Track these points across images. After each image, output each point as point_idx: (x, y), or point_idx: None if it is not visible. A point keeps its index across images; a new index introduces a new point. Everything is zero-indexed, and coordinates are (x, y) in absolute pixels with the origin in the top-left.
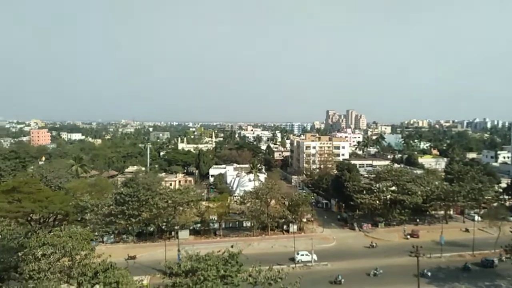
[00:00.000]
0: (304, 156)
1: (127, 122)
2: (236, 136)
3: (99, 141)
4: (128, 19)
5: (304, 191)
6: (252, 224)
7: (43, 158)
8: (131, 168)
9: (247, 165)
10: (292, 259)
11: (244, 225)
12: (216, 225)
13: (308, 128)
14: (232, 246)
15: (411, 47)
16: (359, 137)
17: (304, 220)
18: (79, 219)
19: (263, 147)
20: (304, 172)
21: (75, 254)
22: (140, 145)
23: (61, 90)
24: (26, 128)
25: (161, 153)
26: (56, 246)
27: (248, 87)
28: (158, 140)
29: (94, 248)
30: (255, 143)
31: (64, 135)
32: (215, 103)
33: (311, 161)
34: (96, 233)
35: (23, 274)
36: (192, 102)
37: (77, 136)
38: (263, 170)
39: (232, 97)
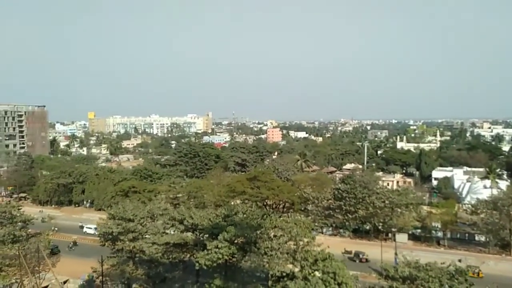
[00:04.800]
0: None
1: (346, 121)
2: (467, 134)
3: (320, 139)
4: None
5: None
6: (488, 239)
7: (276, 153)
8: (348, 166)
9: (481, 169)
10: None
11: (476, 238)
12: (440, 234)
13: None
14: (459, 261)
15: None
16: None
17: None
18: (302, 209)
19: (505, 148)
20: None
21: (299, 240)
22: (357, 143)
23: (290, 94)
24: (264, 128)
25: (379, 152)
26: (284, 230)
27: (482, 74)
28: (376, 139)
29: (314, 237)
30: (493, 143)
31: (292, 133)
32: (440, 98)
33: None
34: (316, 224)
35: (260, 249)
36: (413, 99)
37: (302, 134)
38: (505, 176)
39: (462, 90)
